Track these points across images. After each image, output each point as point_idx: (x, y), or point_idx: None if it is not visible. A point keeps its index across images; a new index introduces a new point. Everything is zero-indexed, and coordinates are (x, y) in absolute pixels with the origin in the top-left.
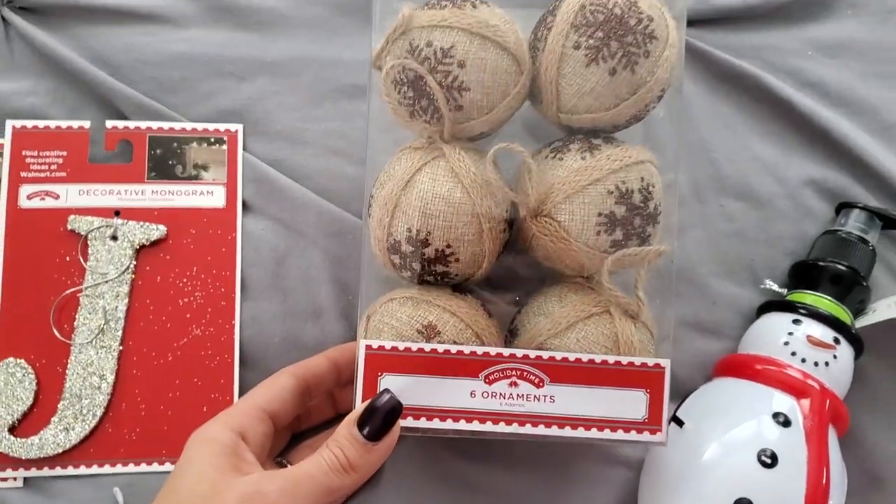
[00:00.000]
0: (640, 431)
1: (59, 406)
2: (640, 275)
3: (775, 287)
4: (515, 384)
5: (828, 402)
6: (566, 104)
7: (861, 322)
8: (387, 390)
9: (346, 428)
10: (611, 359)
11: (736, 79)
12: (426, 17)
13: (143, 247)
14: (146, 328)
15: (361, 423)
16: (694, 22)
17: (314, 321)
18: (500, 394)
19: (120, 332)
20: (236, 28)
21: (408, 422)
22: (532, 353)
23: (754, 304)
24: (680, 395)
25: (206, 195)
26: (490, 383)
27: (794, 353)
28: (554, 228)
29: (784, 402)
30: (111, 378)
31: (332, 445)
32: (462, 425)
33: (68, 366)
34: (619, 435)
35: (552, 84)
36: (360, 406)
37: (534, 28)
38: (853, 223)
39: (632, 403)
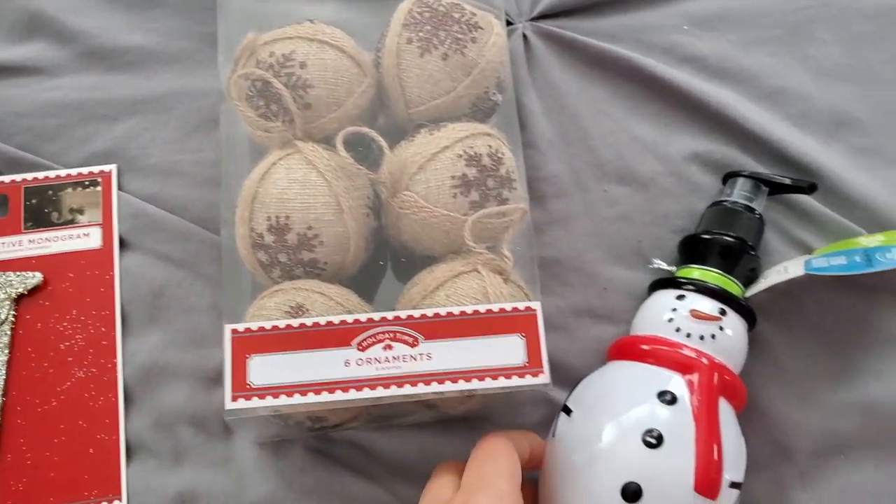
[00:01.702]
0: (521, 376)
1: None
2: (504, 237)
3: (664, 266)
4: (390, 347)
5: (716, 375)
6: (412, 96)
7: (751, 290)
8: None
9: None
10: (482, 308)
11: (608, 63)
12: (269, 36)
13: (21, 296)
14: (28, 376)
15: None
16: (564, 12)
17: (195, 349)
18: (375, 359)
19: (1, 384)
20: (107, 71)
21: (281, 400)
22: (403, 314)
23: (646, 285)
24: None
25: (83, 238)
26: (363, 349)
27: (678, 330)
28: (413, 200)
29: (670, 379)
30: None
31: None
32: (339, 396)
33: None
34: (502, 382)
35: (395, 80)
36: None
37: (375, 47)
38: (739, 192)
39: (510, 349)
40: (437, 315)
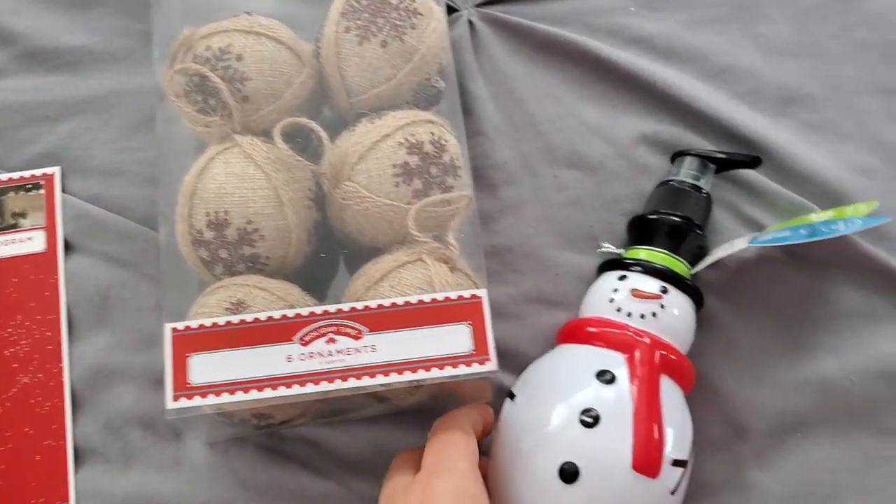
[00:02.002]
0: (468, 364)
1: None
2: (450, 225)
3: (612, 249)
4: (333, 340)
5: (657, 353)
6: (352, 85)
7: (697, 267)
8: None
9: None
10: (427, 297)
11: (555, 47)
12: (205, 30)
13: None
14: None
15: None
16: None
17: (143, 350)
18: (319, 353)
19: None
20: (48, 72)
21: (223, 398)
22: (346, 307)
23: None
24: None
25: (26, 242)
26: (306, 344)
27: (619, 310)
28: (355, 190)
29: (610, 359)
30: None
31: None
32: (282, 392)
33: None
34: (449, 371)
35: (335, 69)
36: None
37: (315, 38)
38: (685, 171)
39: (456, 338)
40: (380, 306)
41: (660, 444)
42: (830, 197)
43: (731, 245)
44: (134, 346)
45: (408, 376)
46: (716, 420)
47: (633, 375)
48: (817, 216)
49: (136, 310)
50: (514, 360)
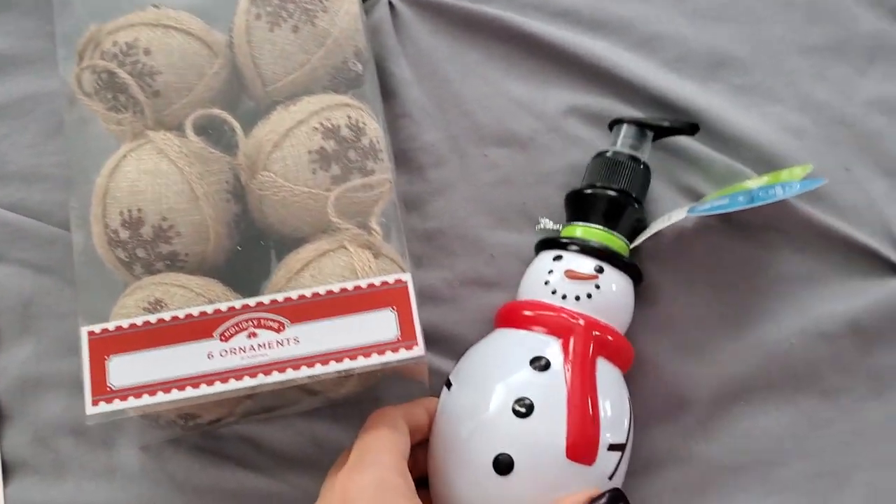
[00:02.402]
0: (395, 350)
1: None
2: (374, 210)
3: (550, 224)
4: (254, 335)
5: (593, 335)
6: (266, 73)
7: (635, 242)
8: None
9: None
10: (349, 285)
11: (479, 25)
12: (111, 26)
13: None
14: None
15: None
16: None
17: (70, 357)
18: (240, 348)
19: None
20: None
21: (143, 400)
22: (266, 299)
23: (533, 247)
24: None
25: None
26: (226, 340)
27: (554, 292)
28: (271, 180)
29: (545, 344)
30: None
31: None
32: (203, 390)
33: None
34: (376, 359)
35: (248, 58)
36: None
37: (228, 27)
38: (622, 140)
39: (382, 325)
40: (302, 297)
41: (595, 430)
42: (764, 160)
43: (669, 217)
44: (60, 354)
45: (333, 367)
46: (658, 393)
47: (567, 361)
48: (753, 182)
49: (61, 316)
50: (454, 345)
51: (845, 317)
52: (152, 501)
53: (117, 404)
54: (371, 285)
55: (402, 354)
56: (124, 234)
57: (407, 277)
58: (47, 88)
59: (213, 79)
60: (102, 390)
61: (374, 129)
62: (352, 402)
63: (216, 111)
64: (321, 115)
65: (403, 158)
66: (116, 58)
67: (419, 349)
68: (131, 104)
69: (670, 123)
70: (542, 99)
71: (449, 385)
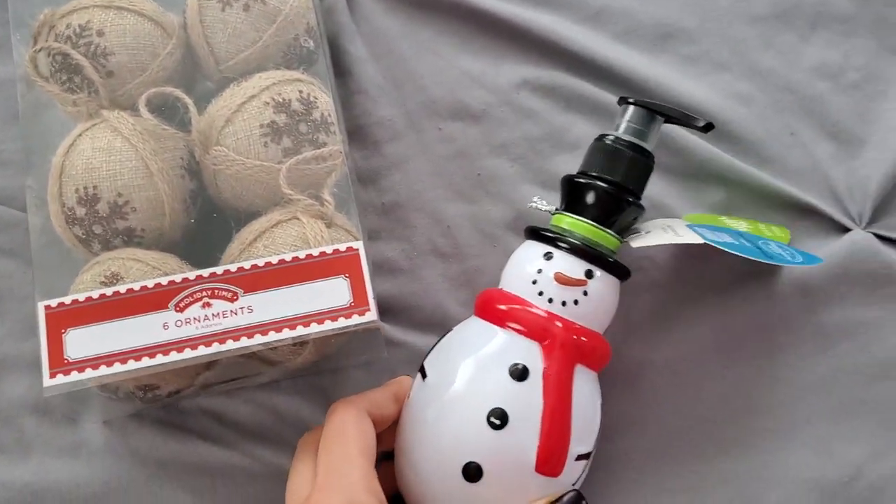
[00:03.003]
0: (347, 316)
1: None
2: (326, 182)
3: (543, 205)
4: (208, 304)
5: (574, 344)
6: (220, 52)
7: (633, 242)
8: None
9: None
10: (301, 254)
11: (432, 3)
12: (65, 8)
13: None
14: None
15: None
16: None
17: (33, 337)
18: (195, 318)
19: None
20: None
21: (101, 371)
22: (219, 270)
23: (490, 217)
24: (434, 326)
25: None
26: (181, 310)
27: (541, 293)
28: (225, 154)
29: (524, 349)
30: None
31: None
32: (160, 360)
33: None
34: (328, 325)
35: (201, 38)
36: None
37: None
38: (627, 125)
39: (334, 292)
40: (254, 267)
41: (565, 444)
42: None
43: (675, 234)
44: (23, 336)
45: (287, 333)
46: (613, 366)
47: (546, 372)
48: (732, 222)
49: (23, 299)
50: (414, 315)
51: (791, 276)
52: (116, 476)
53: (75, 376)
54: (323, 253)
55: (355, 320)
56: (81, 212)
57: (358, 245)
58: (4, 75)
59: (167, 59)
60: (60, 363)
61: (326, 103)
62: (312, 373)
63: (168, 89)
64: (272, 90)
65: (359, 134)
66: (70, 40)
67: (371, 314)
68: (86, 85)
69: (682, 116)
70: (495, 73)
71: (423, 373)
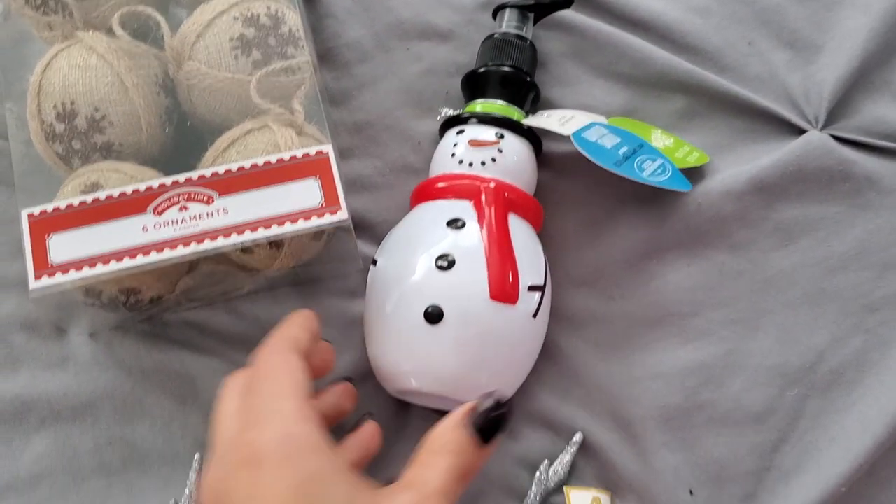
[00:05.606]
0: (320, 216)
1: None
2: (296, 94)
3: (450, 111)
4: (185, 208)
5: (501, 193)
6: None
7: (532, 122)
8: (489, 395)
9: (457, 433)
10: (273, 158)
11: None
12: None
13: None
14: None
15: (474, 426)
16: None
17: (20, 257)
18: (173, 220)
19: None
20: None
21: (84, 272)
22: (195, 175)
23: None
24: None
25: None
26: (159, 214)
27: (461, 161)
28: (197, 68)
29: (459, 207)
30: None
31: (444, 454)
32: (140, 260)
33: None
34: (301, 224)
35: None
36: (464, 409)
37: None
38: (507, 23)
39: (306, 193)
40: (228, 171)
41: (513, 271)
42: (670, 38)
43: (562, 121)
44: (10, 256)
45: (262, 233)
46: (574, 263)
47: (481, 216)
48: (658, 136)
49: (10, 220)
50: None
51: (749, 174)
52: (102, 385)
53: (59, 277)
54: (294, 157)
55: (327, 219)
56: (60, 128)
57: (328, 148)
58: None
59: None
60: (44, 266)
61: (294, 20)
62: (290, 284)
63: (141, 7)
64: (241, 6)
65: (329, 56)
66: None
67: (343, 213)
68: (60, 8)
69: (549, 4)
70: None
71: (375, 263)
